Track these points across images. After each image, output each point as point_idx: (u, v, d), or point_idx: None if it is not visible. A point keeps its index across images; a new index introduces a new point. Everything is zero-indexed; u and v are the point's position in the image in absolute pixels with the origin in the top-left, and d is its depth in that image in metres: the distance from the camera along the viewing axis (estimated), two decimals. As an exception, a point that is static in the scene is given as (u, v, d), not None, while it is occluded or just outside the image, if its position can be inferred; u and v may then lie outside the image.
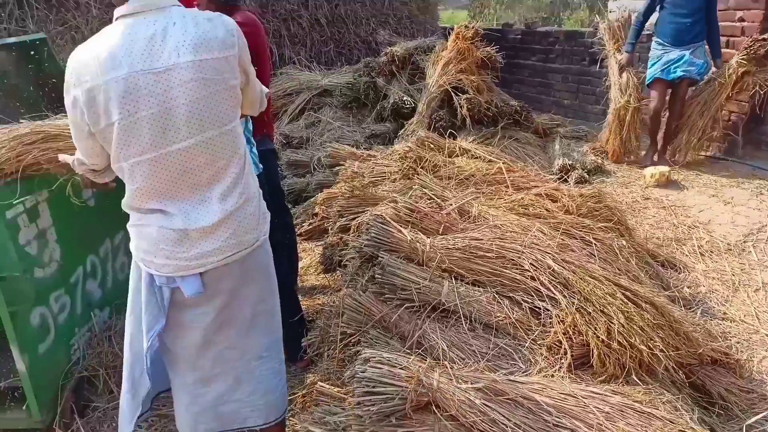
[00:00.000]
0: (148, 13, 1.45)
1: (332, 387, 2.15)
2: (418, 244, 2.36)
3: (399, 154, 3.29)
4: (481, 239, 2.42)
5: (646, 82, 5.19)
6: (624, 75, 5.26)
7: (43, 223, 2.36)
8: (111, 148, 1.51)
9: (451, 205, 2.58)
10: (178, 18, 1.47)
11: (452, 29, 5.69)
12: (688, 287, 3.15)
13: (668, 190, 4.63)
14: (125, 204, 1.63)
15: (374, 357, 1.97)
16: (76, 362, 2.51)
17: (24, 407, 2.27)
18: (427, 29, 8.07)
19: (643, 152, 5.44)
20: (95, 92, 1.42)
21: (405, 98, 5.64)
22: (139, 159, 1.50)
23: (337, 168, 4.07)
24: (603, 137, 5.60)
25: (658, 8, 5.07)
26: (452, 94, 5.29)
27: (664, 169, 4.81)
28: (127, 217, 1.68)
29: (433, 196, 2.65)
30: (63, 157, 1.86)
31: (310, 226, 3.93)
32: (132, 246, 1.68)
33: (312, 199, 4.20)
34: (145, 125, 1.45)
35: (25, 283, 2.23)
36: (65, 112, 1.56)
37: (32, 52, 3.16)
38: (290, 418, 2.11)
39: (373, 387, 1.89)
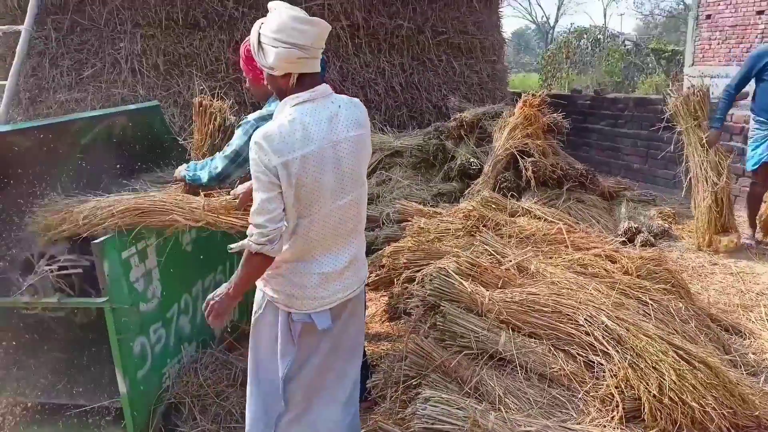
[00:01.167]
0: (321, 99, 1.81)
1: (393, 425, 2.33)
2: (477, 295, 2.54)
3: (463, 212, 3.51)
4: (538, 294, 2.57)
5: (752, 167, 4.74)
6: (712, 153, 4.71)
7: (150, 264, 2.72)
8: (296, 208, 1.79)
9: (511, 261, 2.76)
10: (341, 102, 1.85)
11: (521, 95, 5.95)
12: (753, 353, 3.12)
13: (738, 257, 4.58)
14: (287, 257, 1.87)
15: (434, 397, 2.16)
16: (166, 389, 2.80)
17: (122, 425, 2.57)
18: (497, 95, 8.34)
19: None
20: (292, 163, 1.73)
21: (472, 160, 5.89)
22: (317, 216, 1.82)
23: (405, 223, 4.32)
24: (698, 228, 4.92)
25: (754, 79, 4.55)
26: (518, 157, 5.49)
27: (733, 235, 4.76)
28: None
29: (493, 253, 2.84)
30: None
31: (377, 277, 4.16)
32: (270, 291, 1.93)
33: (379, 252, 4.45)
34: (326, 187, 1.80)
35: (132, 314, 2.57)
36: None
37: (146, 117, 3.68)
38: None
39: (432, 424, 2.07)
